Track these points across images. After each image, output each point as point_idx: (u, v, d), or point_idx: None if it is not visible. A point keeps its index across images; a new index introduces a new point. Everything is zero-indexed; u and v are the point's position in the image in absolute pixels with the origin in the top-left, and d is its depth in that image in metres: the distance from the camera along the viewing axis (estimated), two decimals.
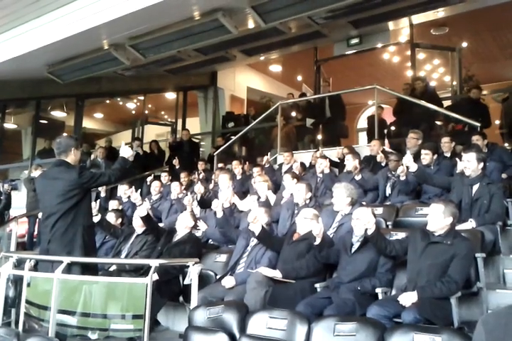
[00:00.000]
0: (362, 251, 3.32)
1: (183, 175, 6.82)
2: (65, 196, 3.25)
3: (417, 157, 5.05)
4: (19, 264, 3.66)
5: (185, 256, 3.95)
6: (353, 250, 3.36)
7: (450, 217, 3.06)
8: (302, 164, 6.35)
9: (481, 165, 3.93)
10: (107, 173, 3.42)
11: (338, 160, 6.24)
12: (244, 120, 9.27)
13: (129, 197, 6.04)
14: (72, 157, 3.41)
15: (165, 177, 6.92)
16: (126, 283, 3.25)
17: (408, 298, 2.82)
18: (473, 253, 3.07)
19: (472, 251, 3.03)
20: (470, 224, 3.68)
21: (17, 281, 3.63)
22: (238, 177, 6.46)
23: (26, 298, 3.31)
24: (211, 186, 6.27)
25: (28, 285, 3.35)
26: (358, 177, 5.08)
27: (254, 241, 3.94)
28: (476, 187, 3.89)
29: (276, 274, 3.47)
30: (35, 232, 6.64)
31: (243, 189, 6.07)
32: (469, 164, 3.93)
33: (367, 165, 5.62)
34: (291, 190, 4.89)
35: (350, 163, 5.16)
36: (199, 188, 5.17)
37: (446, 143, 5.29)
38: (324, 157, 5.76)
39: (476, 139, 5.23)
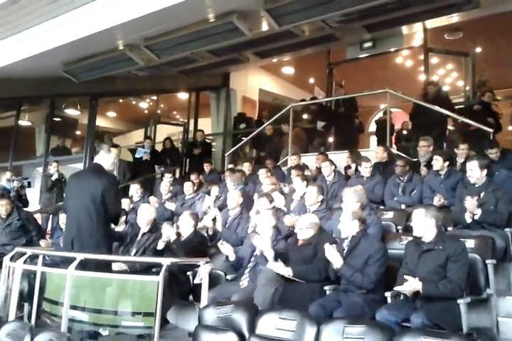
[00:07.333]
0: (356, 251, 3.29)
1: (193, 177, 6.89)
2: None
3: (428, 163, 5.08)
4: (32, 260, 3.73)
5: (193, 254, 4.01)
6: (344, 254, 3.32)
7: (432, 219, 3.08)
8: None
9: (485, 172, 3.97)
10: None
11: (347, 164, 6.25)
12: (256, 123, 9.28)
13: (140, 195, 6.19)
14: None
15: (169, 177, 6.86)
16: (138, 281, 3.30)
17: (411, 285, 2.84)
18: (467, 252, 3.04)
19: (465, 250, 3.02)
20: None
21: (30, 276, 3.71)
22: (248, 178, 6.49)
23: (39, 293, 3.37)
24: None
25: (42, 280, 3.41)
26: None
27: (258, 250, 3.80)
28: (482, 195, 3.91)
29: (288, 272, 3.41)
30: (48, 228, 6.72)
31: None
32: (472, 172, 3.99)
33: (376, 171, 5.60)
34: (301, 193, 4.91)
35: (327, 170, 5.42)
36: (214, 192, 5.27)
37: (465, 150, 5.18)
38: (328, 160, 5.76)
39: (495, 152, 5.04)
